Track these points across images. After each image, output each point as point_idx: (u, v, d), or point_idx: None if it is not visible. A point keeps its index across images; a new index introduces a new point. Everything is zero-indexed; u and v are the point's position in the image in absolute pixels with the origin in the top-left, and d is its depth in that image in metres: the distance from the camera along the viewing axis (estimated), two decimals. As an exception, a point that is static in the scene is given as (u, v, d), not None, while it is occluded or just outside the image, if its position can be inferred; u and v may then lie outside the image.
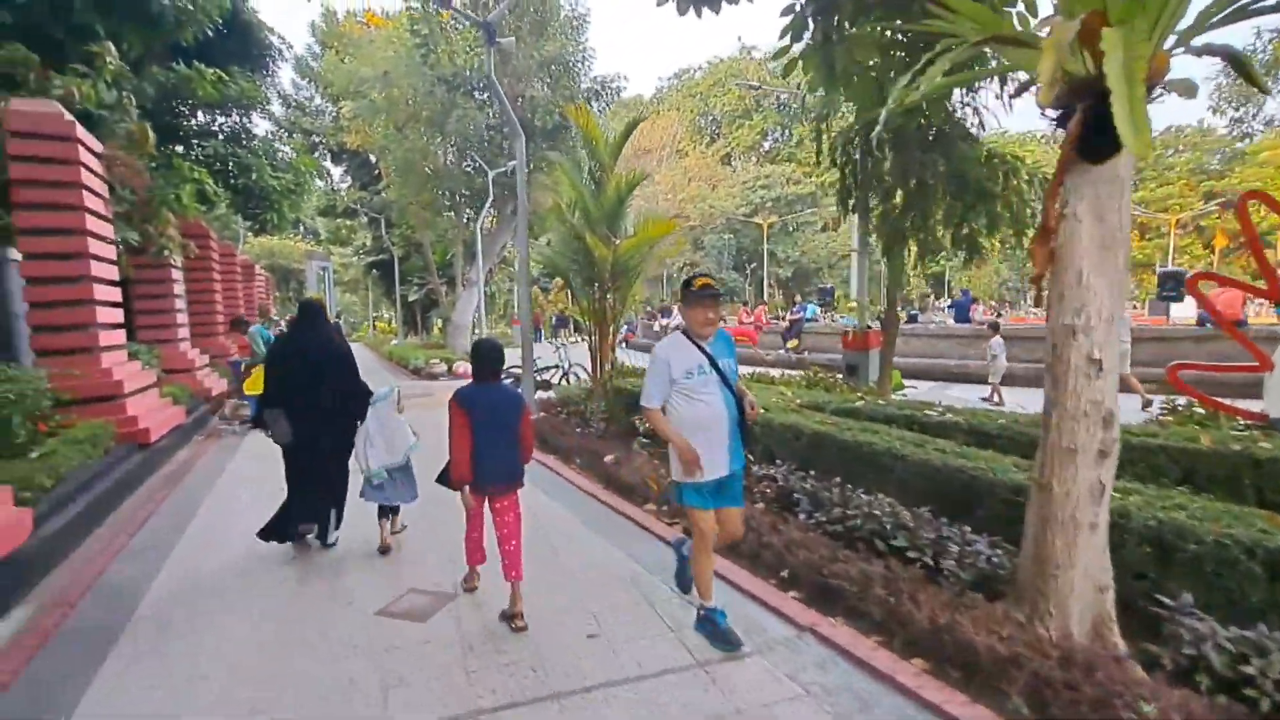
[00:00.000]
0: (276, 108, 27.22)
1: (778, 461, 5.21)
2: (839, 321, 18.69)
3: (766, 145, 67.80)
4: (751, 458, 5.25)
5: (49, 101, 6.62)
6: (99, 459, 5.65)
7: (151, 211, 9.16)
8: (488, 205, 16.72)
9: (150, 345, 9.61)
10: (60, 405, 5.94)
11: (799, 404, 5.88)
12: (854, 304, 20.14)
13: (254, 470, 6.76)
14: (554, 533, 4.68)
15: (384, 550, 4.37)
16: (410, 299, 27.21)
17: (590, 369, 9.05)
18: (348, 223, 31.81)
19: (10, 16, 8.30)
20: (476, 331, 19.34)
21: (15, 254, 6.63)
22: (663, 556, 4.08)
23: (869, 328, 7.66)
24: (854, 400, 6.09)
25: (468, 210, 19.18)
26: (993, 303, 38.53)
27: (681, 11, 5.21)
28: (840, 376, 7.49)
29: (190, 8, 9.42)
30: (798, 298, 16.36)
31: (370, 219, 29.14)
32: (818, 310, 17.01)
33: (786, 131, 66.54)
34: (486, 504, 3.48)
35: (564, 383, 11.15)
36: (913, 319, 16.44)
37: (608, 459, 6.14)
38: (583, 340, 13.64)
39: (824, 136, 7.02)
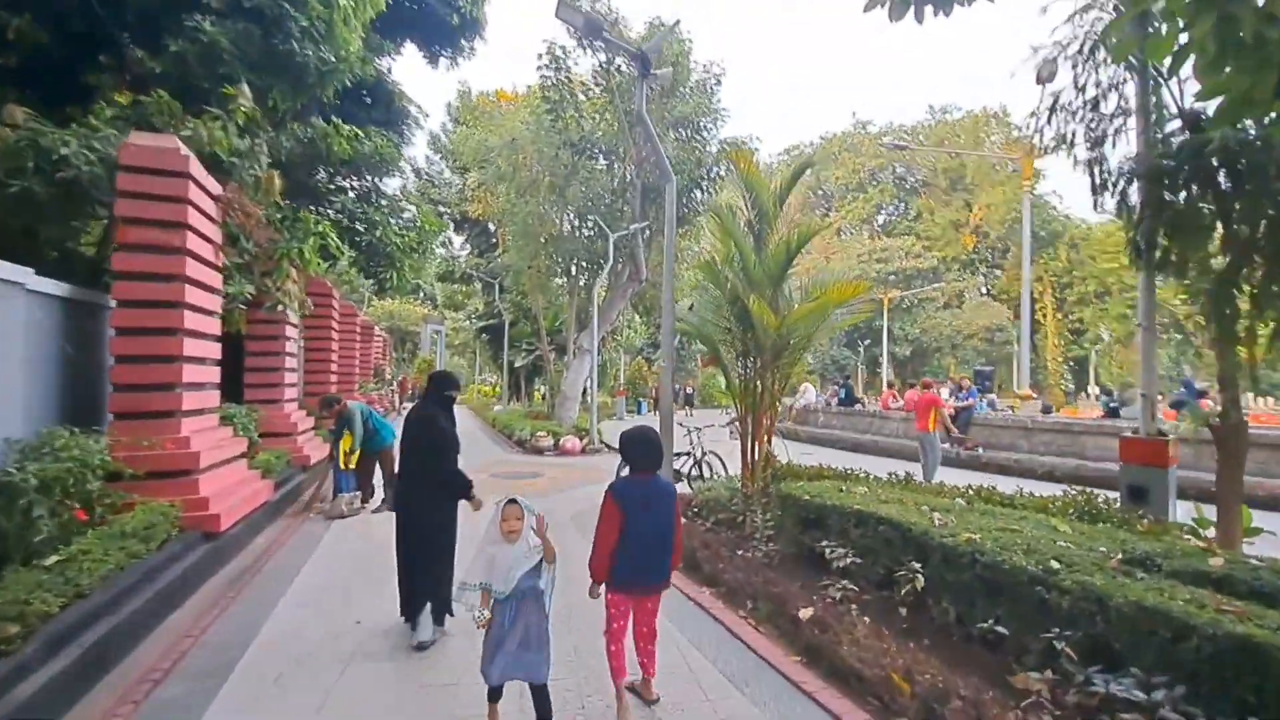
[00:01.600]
0: (409, 177, 28.64)
1: (1129, 675, 3.06)
2: (1003, 409, 15.78)
3: (881, 219, 65.43)
4: (1076, 668, 3.19)
5: (168, 136, 5.99)
6: (148, 556, 4.42)
7: (273, 264, 8.58)
8: (607, 270, 15.72)
9: (251, 407, 8.82)
10: (119, 480, 4.85)
11: (1118, 561, 3.73)
12: (1024, 392, 17.23)
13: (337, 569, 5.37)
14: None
15: None
16: (517, 365, 26.82)
17: (742, 462, 7.23)
18: (463, 288, 32.55)
19: (161, 65, 8.18)
20: (586, 400, 18.12)
21: (113, 301, 5.86)
22: None
23: (1162, 434, 5.36)
24: (1202, 558, 3.84)
25: (583, 276, 18.39)
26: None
27: (896, 17, 3.64)
28: (1115, 501, 5.18)
29: (333, 59, 9.11)
30: (965, 381, 13.77)
31: (484, 284, 29.52)
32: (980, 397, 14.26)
33: (904, 205, 64.01)
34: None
35: (700, 477, 9.35)
36: (1113, 412, 13.40)
37: (803, 613, 4.20)
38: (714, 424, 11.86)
39: (1102, 164, 5.11)
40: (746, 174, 7.21)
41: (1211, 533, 4.50)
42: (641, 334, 44.45)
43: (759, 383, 7.05)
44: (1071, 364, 55.50)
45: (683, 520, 6.67)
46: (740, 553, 5.64)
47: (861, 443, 15.02)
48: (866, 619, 4.14)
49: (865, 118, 71.44)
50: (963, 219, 59.88)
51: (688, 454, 9.27)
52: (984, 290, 60.01)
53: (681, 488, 9.09)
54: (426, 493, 4.19)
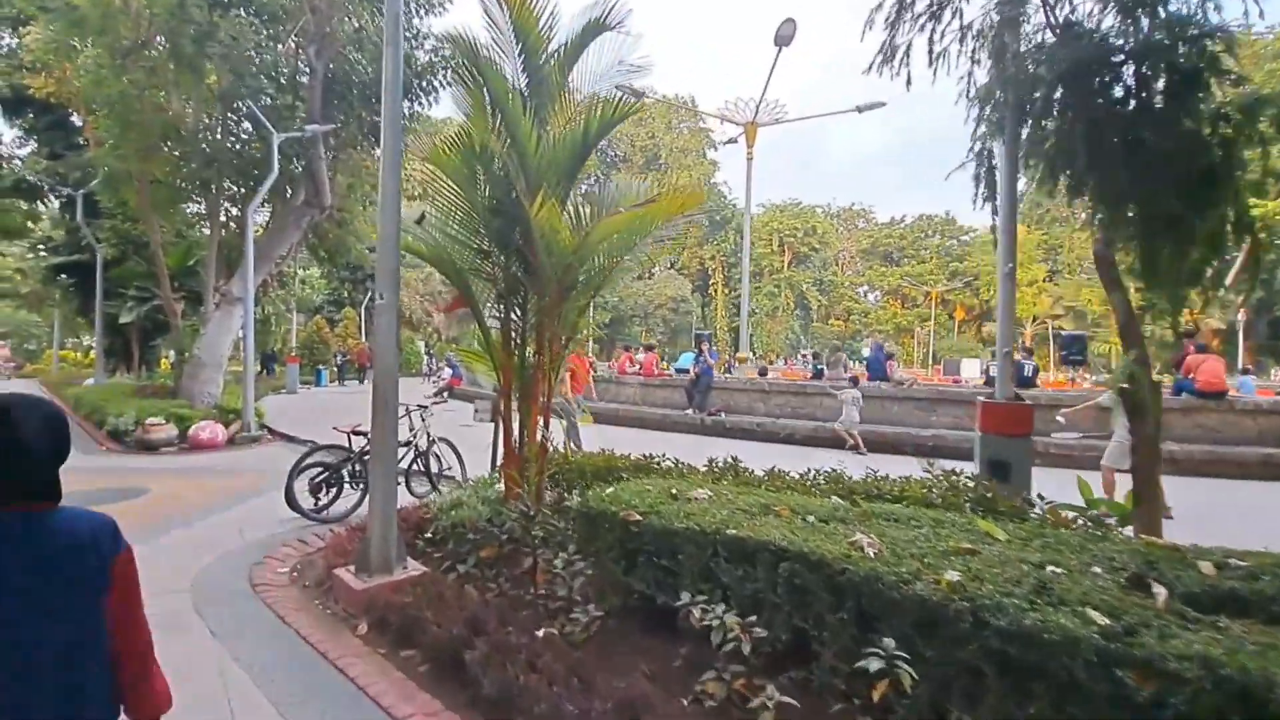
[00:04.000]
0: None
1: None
2: (734, 373, 16.05)
3: (583, 188, 66.56)
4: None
5: None
6: None
7: None
8: (267, 186, 11.13)
9: None
10: None
11: (1165, 602, 2.49)
12: (742, 355, 17.95)
13: None
14: None
15: None
16: (123, 320, 18.85)
17: (505, 457, 4.76)
18: (22, 205, 22.00)
19: None
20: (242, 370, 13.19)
21: None
22: None
23: (1019, 398, 4.64)
24: (1180, 563, 2.85)
25: (232, 189, 13.10)
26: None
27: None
28: (967, 476, 4.27)
29: None
30: (704, 345, 13.24)
31: (63, 202, 20.35)
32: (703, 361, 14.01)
33: (606, 176, 66.18)
34: None
35: (428, 477, 6.52)
36: (818, 374, 14.39)
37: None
38: (442, 398, 8.97)
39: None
40: (517, 16, 4.58)
41: (1114, 520, 3.75)
42: (320, 288, 37.00)
43: (535, 336, 4.65)
44: (731, 332, 64.85)
45: (408, 565, 3.97)
46: (538, 627, 3.24)
47: (619, 415, 13.62)
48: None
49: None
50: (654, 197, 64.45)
51: (406, 443, 6.37)
52: (669, 264, 65.95)
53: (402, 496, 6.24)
54: None
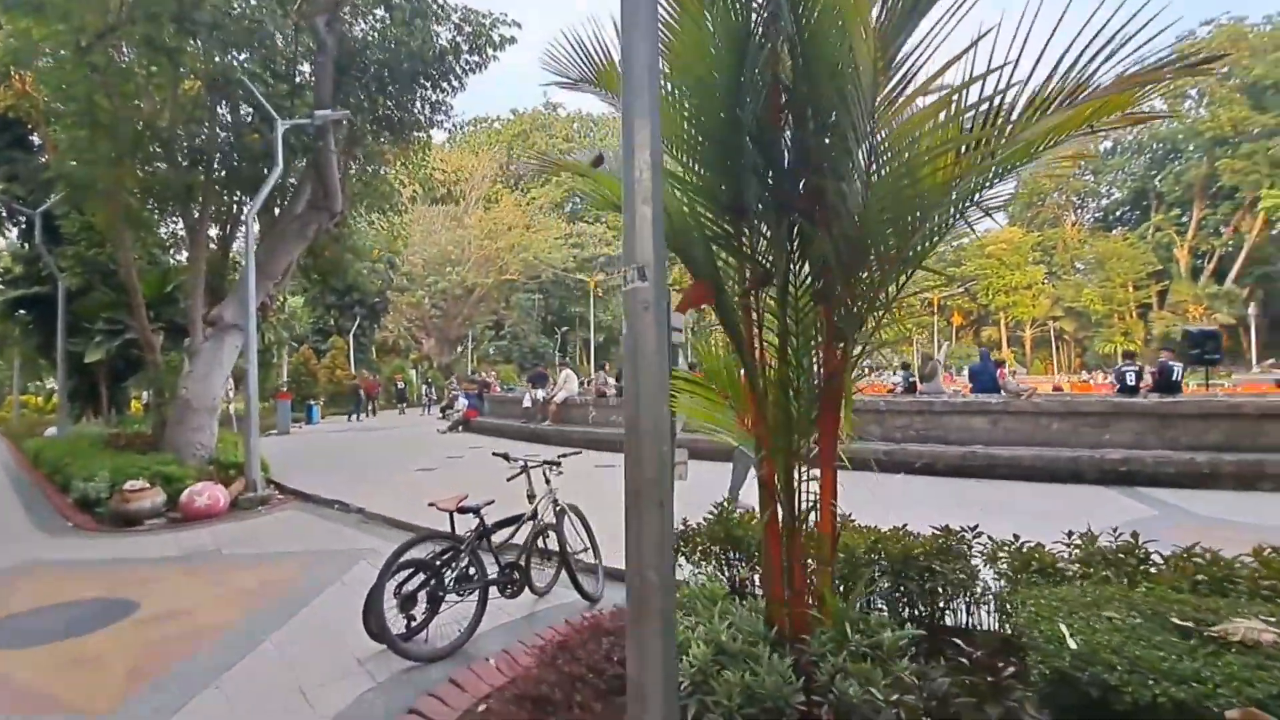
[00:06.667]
0: None
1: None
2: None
3: (567, 207, 64.92)
4: None
5: None
6: None
7: None
8: (269, 185, 9.05)
9: None
10: None
11: None
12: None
13: None
14: None
15: None
16: (89, 359, 16.36)
17: (775, 552, 2.78)
18: (-28, 234, 19.48)
19: None
20: (231, 409, 11.02)
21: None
22: None
23: None
24: None
25: (222, 197, 10.97)
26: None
27: None
28: None
29: None
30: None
31: (25, 228, 18.10)
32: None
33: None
34: None
35: (559, 563, 4.48)
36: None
37: None
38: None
39: None
40: None
41: None
42: (304, 318, 34.40)
43: (824, 343, 2.72)
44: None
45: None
46: None
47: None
48: None
49: (557, 99, 70.03)
50: (645, 212, 62.96)
51: (521, 518, 4.33)
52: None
53: (498, 610, 4.28)
54: None
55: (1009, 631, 3.08)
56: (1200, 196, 51.82)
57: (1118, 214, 63.52)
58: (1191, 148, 52.25)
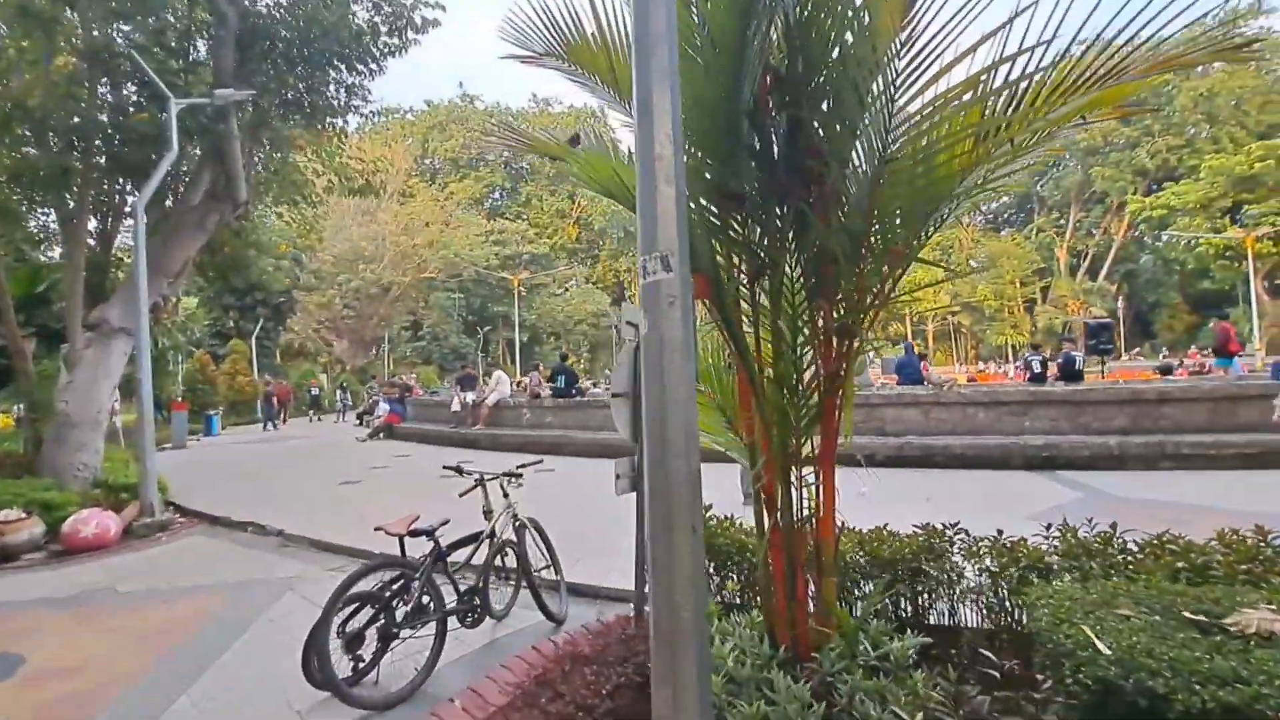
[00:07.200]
0: None
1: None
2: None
3: (489, 202, 63.13)
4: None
5: None
6: None
7: None
8: (162, 170, 8.07)
9: None
10: None
11: None
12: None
13: None
14: None
15: None
16: (-62, 370, 14.18)
17: (782, 572, 2.61)
18: None
19: None
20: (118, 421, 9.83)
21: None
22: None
23: None
24: None
25: (104, 185, 9.71)
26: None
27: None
28: None
29: None
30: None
31: None
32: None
33: (515, 189, 63.02)
34: None
35: (530, 589, 4.13)
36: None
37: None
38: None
39: None
40: None
41: None
42: (200, 319, 31.52)
43: (824, 341, 2.57)
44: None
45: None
46: None
47: (593, 443, 11.41)
48: None
49: (474, 90, 67.96)
50: (568, 209, 62.33)
51: (478, 536, 3.96)
52: (586, 279, 63.72)
53: (454, 640, 3.93)
54: None
55: (998, 628, 3.07)
56: (1076, 201, 56.98)
57: (1006, 216, 68.73)
58: (1068, 156, 57.30)
